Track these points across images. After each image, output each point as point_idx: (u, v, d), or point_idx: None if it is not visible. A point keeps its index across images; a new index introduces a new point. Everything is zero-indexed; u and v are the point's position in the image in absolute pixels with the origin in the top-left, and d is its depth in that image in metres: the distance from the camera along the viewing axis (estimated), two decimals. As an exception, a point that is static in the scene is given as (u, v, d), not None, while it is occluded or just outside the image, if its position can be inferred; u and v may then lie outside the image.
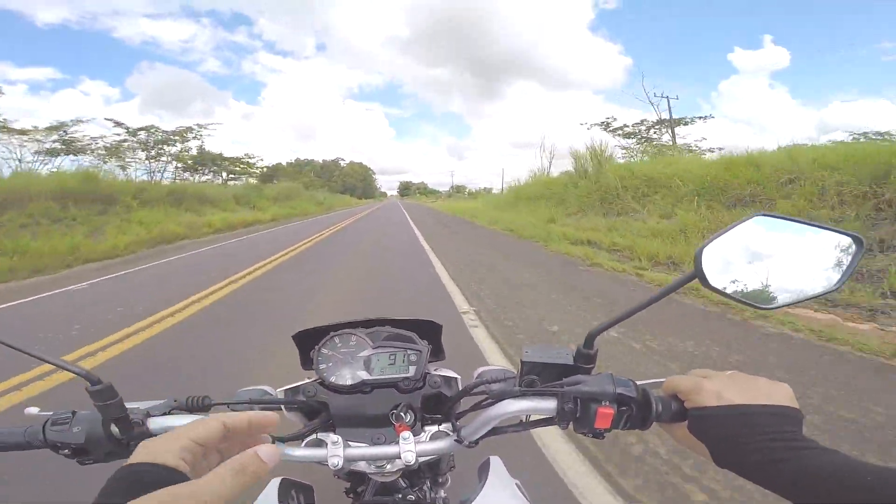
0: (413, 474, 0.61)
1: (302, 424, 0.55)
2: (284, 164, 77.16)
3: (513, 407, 0.45)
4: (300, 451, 0.49)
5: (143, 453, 0.29)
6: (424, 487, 0.62)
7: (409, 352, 0.56)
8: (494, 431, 0.49)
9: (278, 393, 0.56)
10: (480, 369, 0.58)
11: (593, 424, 0.42)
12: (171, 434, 0.30)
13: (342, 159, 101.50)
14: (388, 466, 0.52)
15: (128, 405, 0.45)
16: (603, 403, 0.42)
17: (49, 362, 0.43)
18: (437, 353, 0.63)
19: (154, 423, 0.45)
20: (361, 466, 0.52)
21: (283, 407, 0.54)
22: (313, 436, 0.52)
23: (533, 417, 0.48)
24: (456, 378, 0.59)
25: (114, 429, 0.44)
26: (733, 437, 0.35)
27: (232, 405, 0.51)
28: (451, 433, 0.51)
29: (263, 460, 0.29)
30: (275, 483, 0.58)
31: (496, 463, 0.62)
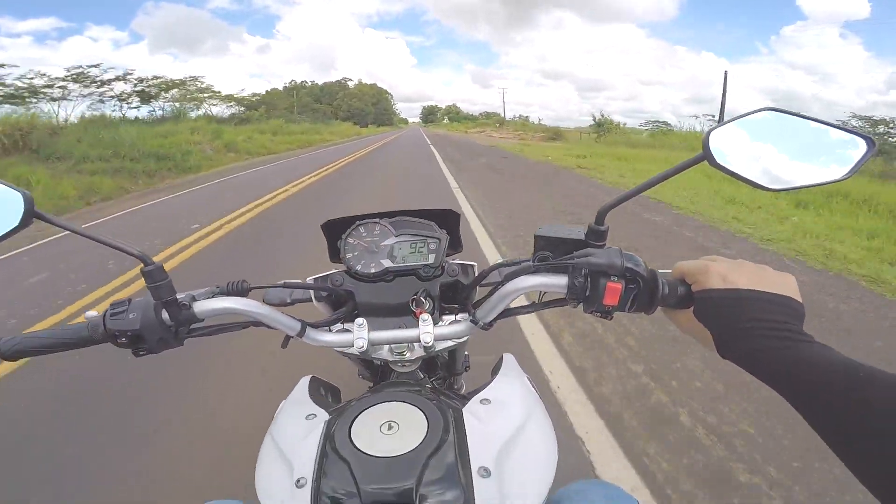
0: (431, 366, 0.66)
1: (328, 314, 0.61)
2: (280, 88, 67.36)
3: (525, 283, 0.48)
4: (328, 336, 0.55)
5: None
6: (443, 384, 0.67)
7: (429, 240, 0.61)
8: (507, 313, 0.52)
9: (307, 281, 0.61)
10: (498, 260, 0.58)
11: (602, 301, 0.44)
12: None
13: (349, 79, 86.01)
14: (408, 354, 0.57)
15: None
16: (612, 278, 0.43)
17: (105, 243, 0.46)
18: (455, 245, 0.68)
19: (199, 305, 0.48)
20: (384, 354, 0.57)
21: (311, 294, 0.60)
22: (338, 324, 0.58)
23: (544, 297, 0.52)
24: (473, 266, 0.64)
25: (165, 315, 0.47)
26: (735, 322, 0.37)
27: (266, 289, 0.58)
28: (467, 318, 0.55)
29: None
30: (305, 380, 0.59)
31: (509, 359, 0.63)
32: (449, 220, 0.66)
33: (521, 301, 0.53)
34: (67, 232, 0.46)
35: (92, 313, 0.50)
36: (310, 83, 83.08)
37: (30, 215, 0.44)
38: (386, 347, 0.57)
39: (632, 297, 0.44)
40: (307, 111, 43.41)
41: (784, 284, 0.39)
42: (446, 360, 0.72)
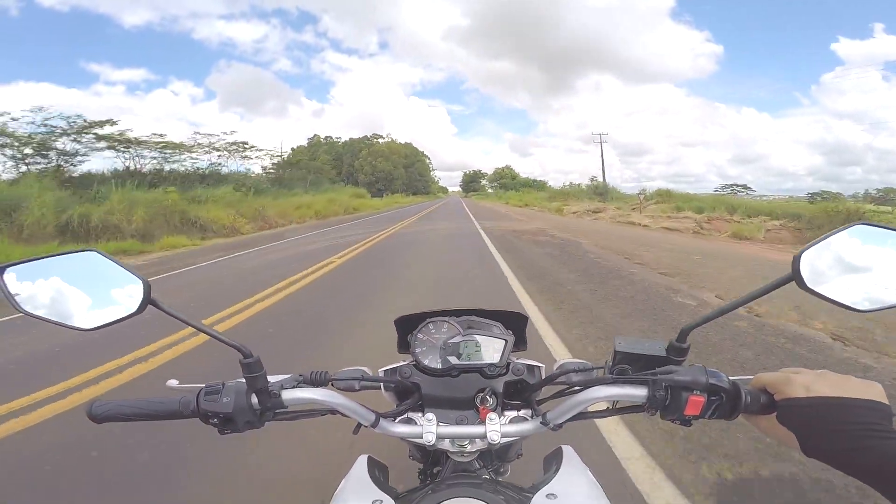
0: (486, 457, 0.68)
1: (394, 404, 0.66)
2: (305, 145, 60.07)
3: (603, 393, 0.52)
4: (397, 427, 0.59)
5: None
6: (492, 471, 0.68)
7: (494, 340, 0.64)
8: (580, 416, 0.56)
9: (378, 373, 0.67)
10: (561, 361, 0.65)
11: (683, 412, 0.48)
12: None
13: (379, 136, 73.81)
14: (469, 447, 0.60)
15: None
16: (694, 392, 0.47)
17: (211, 335, 0.51)
18: (519, 344, 0.73)
19: (287, 394, 0.55)
20: (446, 445, 0.60)
21: (382, 385, 0.65)
22: (405, 415, 0.62)
23: (620, 404, 0.55)
24: (539, 366, 0.67)
25: (253, 399, 0.53)
26: (822, 426, 0.39)
27: (340, 382, 0.62)
28: (533, 418, 0.59)
29: None
30: (363, 459, 0.64)
31: (569, 451, 0.66)
32: (516, 322, 0.72)
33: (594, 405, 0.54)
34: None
35: (173, 382, 0.59)
36: (337, 139, 71.31)
37: (146, 302, 0.48)
38: (447, 439, 0.60)
39: (713, 407, 0.48)
40: (305, 172, 32.03)
41: (869, 390, 0.41)
42: (500, 450, 0.72)
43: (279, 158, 28.79)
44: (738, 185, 46.96)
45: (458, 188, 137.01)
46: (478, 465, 0.66)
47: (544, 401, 0.64)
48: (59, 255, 0.50)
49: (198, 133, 19.64)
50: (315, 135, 74.59)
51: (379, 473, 0.63)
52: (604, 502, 0.55)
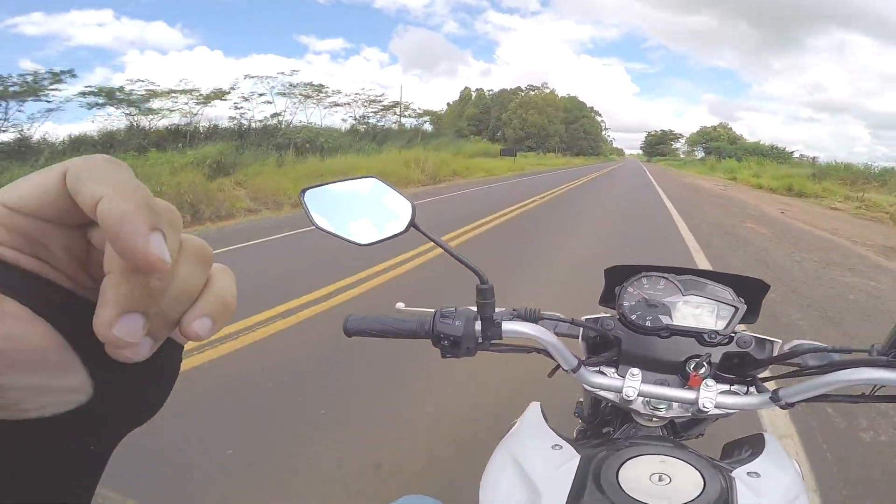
0: (671, 427, 0.64)
1: (584, 355, 0.65)
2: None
3: (867, 375, 0.48)
4: (599, 378, 0.58)
5: None
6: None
7: (721, 305, 0.60)
8: (823, 398, 0.52)
9: (582, 319, 0.65)
10: (795, 342, 0.60)
11: None
12: None
13: (535, 88, 60.93)
14: (663, 412, 0.58)
15: None
16: None
17: (457, 258, 0.52)
18: (749, 316, 0.64)
19: (506, 325, 0.56)
20: (636, 405, 0.58)
21: (581, 331, 0.65)
22: (597, 367, 0.61)
23: (883, 391, 0.51)
24: (775, 342, 0.62)
25: (477, 327, 0.55)
26: None
27: (551, 321, 0.64)
28: (759, 392, 0.56)
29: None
30: (536, 406, 0.64)
31: (772, 440, 0.59)
32: (752, 290, 0.64)
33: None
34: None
35: (401, 305, 0.63)
36: (490, 90, 61.25)
37: (411, 224, 0.52)
38: (641, 399, 0.58)
39: None
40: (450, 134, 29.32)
41: None
42: (687, 423, 0.67)
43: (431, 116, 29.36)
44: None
45: (638, 151, 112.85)
46: (662, 434, 0.62)
47: (765, 380, 0.60)
48: (346, 179, 0.58)
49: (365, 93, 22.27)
50: (465, 87, 65.96)
51: (546, 421, 0.62)
52: (803, 494, 0.52)
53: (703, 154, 58.25)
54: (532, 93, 60.88)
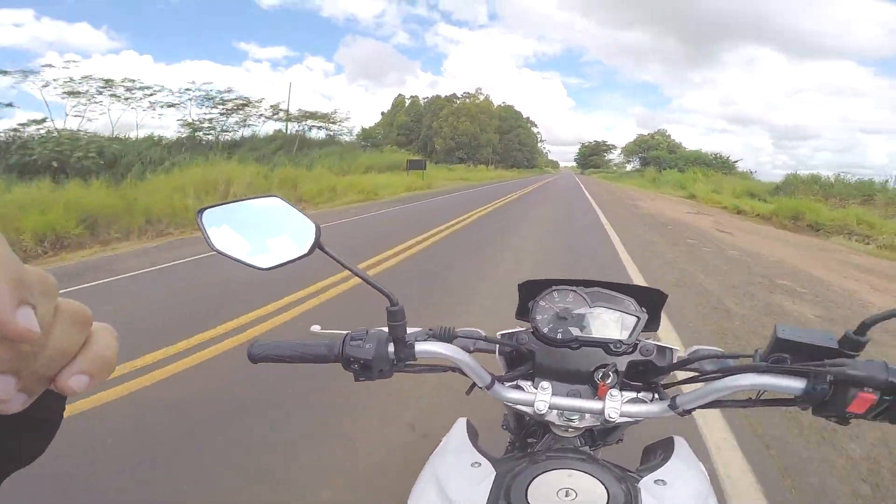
0: (588, 436, 0.66)
1: (503, 370, 0.67)
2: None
3: (748, 381, 0.50)
4: (511, 393, 0.60)
5: None
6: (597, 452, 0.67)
7: (626, 316, 0.63)
8: (715, 404, 0.54)
9: (497, 335, 0.67)
10: (694, 347, 0.63)
11: (845, 408, 0.45)
12: None
13: (467, 94, 58.05)
14: (577, 422, 0.59)
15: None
16: (866, 389, 0.44)
17: (366, 281, 0.52)
18: (651, 324, 0.67)
19: (419, 346, 0.56)
20: (552, 417, 0.60)
21: (497, 348, 0.66)
22: (514, 381, 0.63)
23: (767, 395, 0.52)
24: (673, 349, 0.64)
25: (390, 348, 0.55)
26: None
27: (459, 340, 0.63)
28: (658, 400, 0.58)
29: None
30: (462, 423, 0.65)
31: (681, 442, 0.62)
32: (652, 300, 0.68)
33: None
34: None
35: (316, 327, 0.63)
36: (425, 98, 56.30)
37: (315, 246, 0.51)
38: (555, 411, 0.60)
39: (883, 407, 0.45)
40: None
41: None
42: (604, 431, 0.69)
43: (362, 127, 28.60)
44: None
45: (572, 163, 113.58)
46: (579, 444, 0.64)
47: (668, 386, 0.63)
48: (246, 199, 0.56)
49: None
50: (399, 95, 60.72)
51: (473, 438, 0.63)
52: (711, 499, 0.53)
53: (638, 165, 51.79)
54: (466, 100, 56.71)
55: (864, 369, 0.44)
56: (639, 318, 0.63)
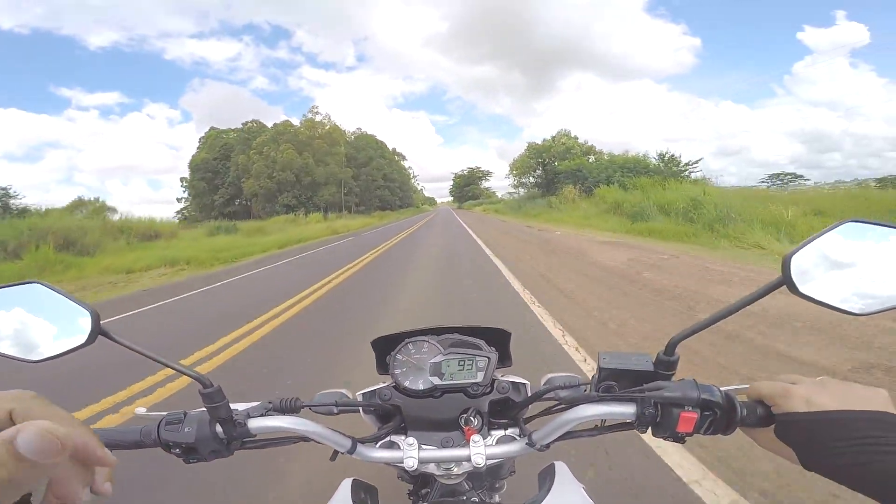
0: (476, 477, 0.69)
1: (375, 427, 0.67)
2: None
3: (589, 411, 0.52)
4: (377, 453, 0.60)
5: None
6: (485, 490, 0.72)
7: (477, 358, 0.64)
8: (567, 436, 0.56)
9: (356, 396, 0.67)
10: (548, 376, 0.66)
11: (675, 428, 0.47)
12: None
13: (304, 116, 44.91)
14: (455, 469, 0.61)
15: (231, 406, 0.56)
16: (686, 408, 0.46)
17: (168, 366, 0.51)
18: (504, 360, 0.71)
19: (253, 423, 0.55)
20: (430, 468, 0.61)
21: (360, 409, 0.65)
22: (387, 438, 0.63)
23: (609, 422, 0.55)
24: (525, 384, 0.67)
25: (218, 429, 0.54)
26: (823, 443, 0.38)
27: (315, 407, 0.62)
28: (520, 437, 0.60)
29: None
30: (347, 483, 0.66)
31: (561, 468, 0.68)
32: (500, 338, 0.70)
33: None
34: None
35: (141, 410, 0.58)
36: (242, 126, 41.57)
37: (96, 333, 0.48)
38: (434, 463, 0.61)
39: (707, 422, 0.47)
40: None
41: (874, 399, 0.40)
42: (492, 468, 0.73)
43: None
44: (787, 174, 33.73)
45: (449, 198, 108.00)
46: (467, 487, 0.67)
47: (532, 418, 0.66)
48: (4, 287, 0.52)
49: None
50: (212, 127, 45.63)
51: (366, 496, 0.65)
52: None
53: (531, 189, 33.73)
54: (294, 126, 43.12)
55: (678, 389, 0.47)
56: (489, 358, 0.65)
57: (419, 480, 0.72)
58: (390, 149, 63.08)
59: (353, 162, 47.55)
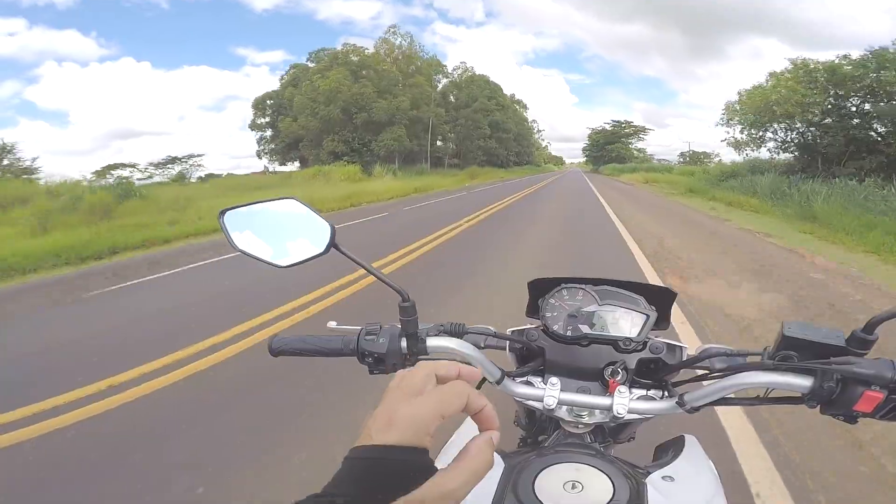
0: (598, 433, 0.70)
1: (515, 366, 0.71)
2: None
3: (758, 378, 0.52)
4: (522, 388, 0.63)
5: (396, 432, 0.29)
6: (606, 448, 0.72)
7: (634, 313, 0.65)
8: (722, 402, 0.56)
9: (508, 332, 0.71)
10: (705, 346, 0.65)
11: (851, 407, 0.47)
12: (423, 403, 0.31)
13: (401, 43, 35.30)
14: (587, 418, 0.62)
15: None
16: (873, 387, 0.46)
17: (378, 278, 0.57)
18: (661, 322, 0.70)
19: (431, 341, 0.61)
20: (562, 413, 0.63)
21: (507, 344, 0.70)
22: (525, 377, 0.66)
23: (774, 393, 0.55)
24: (682, 347, 0.67)
25: (403, 343, 0.60)
26: None
27: (470, 336, 0.66)
28: (668, 398, 0.61)
29: (490, 458, 0.32)
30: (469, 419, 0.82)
31: (692, 441, 0.67)
32: (662, 298, 0.70)
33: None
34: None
35: (332, 323, 0.68)
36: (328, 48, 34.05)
37: (331, 245, 0.56)
38: (565, 407, 0.63)
39: (890, 406, 0.46)
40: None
41: None
42: (615, 428, 0.73)
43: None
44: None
45: (581, 159, 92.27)
46: (589, 440, 0.67)
47: (679, 384, 0.64)
48: (265, 201, 0.60)
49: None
50: (292, 66, 38.64)
51: None
52: (719, 496, 0.56)
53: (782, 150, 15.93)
54: (355, 55, 31.45)
55: (871, 367, 0.46)
56: (648, 316, 0.65)
57: (538, 427, 0.77)
58: (509, 95, 51.02)
59: (449, 104, 37.03)
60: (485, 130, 40.39)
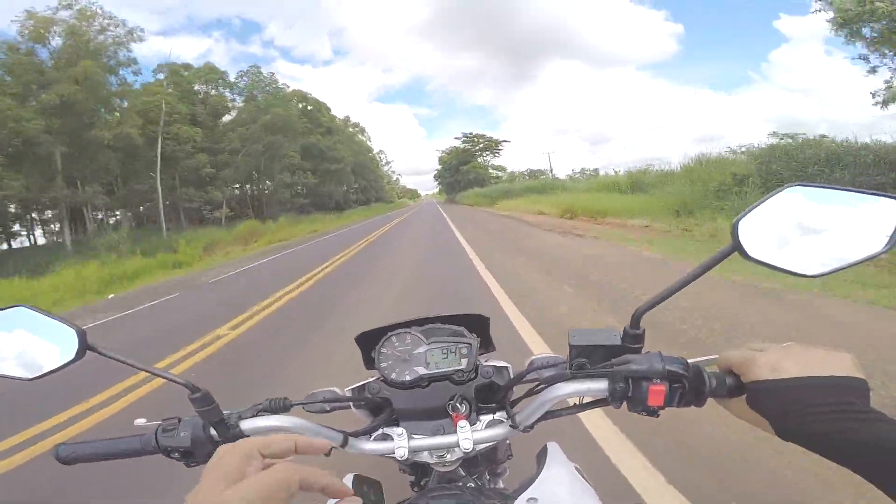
0: (471, 463, 0.73)
1: (368, 420, 0.71)
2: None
3: (564, 390, 0.54)
4: (370, 445, 0.63)
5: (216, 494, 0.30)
6: (484, 476, 0.76)
7: (460, 345, 0.68)
8: (548, 415, 0.59)
9: (346, 392, 0.71)
10: (532, 357, 0.67)
11: (646, 402, 0.48)
12: (244, 490, 0.29)
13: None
14: (448, 456, 0.63)
15: (224, 411, 0.60)
16: (654, 381, 0.48)
17: (155, 374, 0.57)
18: (486, 345, 0.77)
19: (245, 423, 0.59)
20: (424, 457, 0.64)
21: (351, 404, 0.69)
22: (379, 431, 0.66)
23: (585, 399, 0.57)
24: (507, 367, 0.71)
25: (212, 431, 0.58)
26: (794, 410, 0.39)
27: (307, 405, 0.65)
28: (506, 420, 0.63)
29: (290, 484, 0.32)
30: (349, 478, 0.70)
31: (553, 448, 0.72)
32: (479, 324, 0.74)
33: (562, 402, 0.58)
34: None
35: (141, 421, 0.61)
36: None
37: (84, 349, 0.53)
38: (426, 451, 0.64)
39: (677, 395, 0.49)
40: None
41: (839, 363, 0.41)
42: (486, 453, 0.77)
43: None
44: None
45: (434, 189, 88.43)
46: (462, 474, 0.70)
47: (519, 400, 0.67)
48: None
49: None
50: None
51: (369, 489, 0.67)
52: (587, 500, 0.59)
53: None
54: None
55: (643, 363, 0.48)
56: (471, 344, 0.68)
57: (419, 471, 0.78)
58: (342, 119, 41.93)
59: (267, 126, 24.31)
60: (292, 159, 27.99)
